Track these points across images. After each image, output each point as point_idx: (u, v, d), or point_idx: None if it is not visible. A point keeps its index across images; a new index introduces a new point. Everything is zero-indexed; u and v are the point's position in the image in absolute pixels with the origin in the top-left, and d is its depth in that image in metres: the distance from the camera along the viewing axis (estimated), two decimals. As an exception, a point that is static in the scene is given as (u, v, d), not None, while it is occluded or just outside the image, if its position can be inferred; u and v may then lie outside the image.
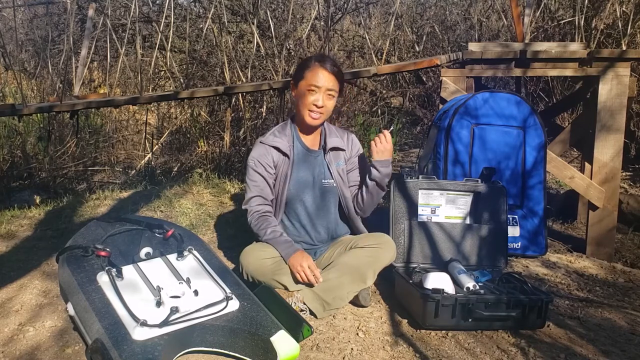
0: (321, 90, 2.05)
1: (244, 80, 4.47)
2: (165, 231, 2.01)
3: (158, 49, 4.92)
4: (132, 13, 4.72)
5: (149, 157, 5.39)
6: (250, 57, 4.88)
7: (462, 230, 2.38)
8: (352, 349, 1.76)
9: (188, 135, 6.36)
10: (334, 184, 2.18)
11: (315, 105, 2.06)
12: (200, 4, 6.24)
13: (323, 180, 2.18)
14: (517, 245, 2.80)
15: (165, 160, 5.97)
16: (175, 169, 5.46)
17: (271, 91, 5.18)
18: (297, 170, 2.15)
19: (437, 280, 2.00)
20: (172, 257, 1.90)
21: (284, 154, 2.12)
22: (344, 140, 2.23)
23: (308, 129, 2.17)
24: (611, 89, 3.16)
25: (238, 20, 6.03)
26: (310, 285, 1.94)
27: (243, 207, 2.14)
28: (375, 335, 1.87)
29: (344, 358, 1.71)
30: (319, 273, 1.95)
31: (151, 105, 6.24)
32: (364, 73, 3.69)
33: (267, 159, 2.11)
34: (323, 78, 2.04)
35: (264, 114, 5.84)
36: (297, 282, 1.96)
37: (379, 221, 2.34)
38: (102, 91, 5.84)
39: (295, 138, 2.17)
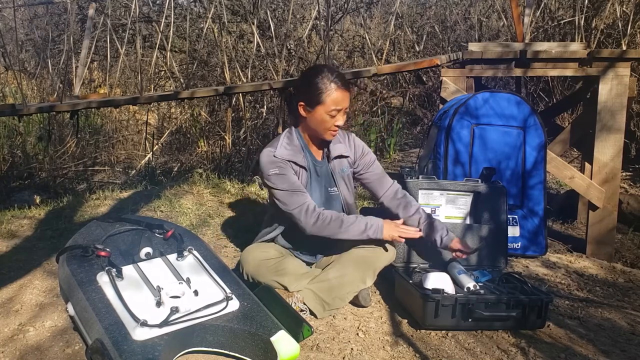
0: (341, 111, 2.00)
1: (244, 80, 4.47)
2: (165, 231, 2.01)
3: (158, 49, 4.92)
4: (132, 13, 4.72)
5: (149, 157, 5.38)
6: (251, 57, 4.88)
7: (462, 230, 2.38)
8: (352, 349, 1.76)
9: (188, 135, 6.36)
10: (338, 192, 2.15)
11: (337, 126, 2.01)
12: (201, 4, 6.24)
13: (329, 189, 2.14)
14: (517, 245, 2.80)
15: (165, 160, 5.97)
16: (176, 169, 5.46)
17: (271, 91, 5.18)
18: (310, 182, 2.10)
19: (437, 280, 2.00)
20: (172, 257, 1.89)
21: (301, 167, 2.06)
22: (346, 144, 2.16)
23: (323, 144, 2.12)
24: (611, 89, 3.16)
25: (238, 20, 6.04)
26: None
27: (291, 211, 1.97)
28: (375, 335, 1.87)
29: (344, 358, 1.71)
30: (413, 229, 2.06)
31: (151, 105, 6.24)
32: (364, 73, 3.69)
33: (285, 165, 2.02)
34: (342, 100, 1.97)
35: (264, 114, 5.85)
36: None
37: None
38: (102, 91, 5.84)
39: (305, 149, 2.11)
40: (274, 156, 2.01)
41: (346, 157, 2.15)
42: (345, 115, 2.03)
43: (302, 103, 2.02)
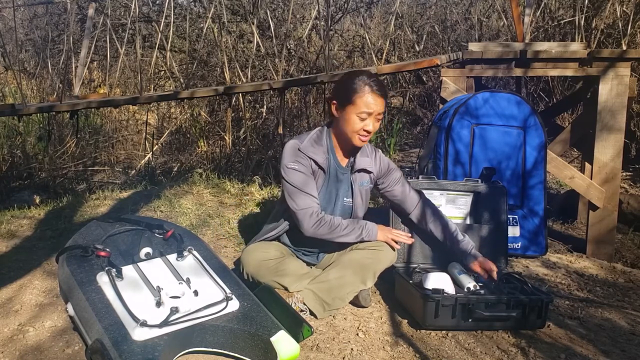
0: (372, 115, 1.96)
1: (244, 80, 4.47)
2: (165, 231, 2.01)
3: (158, 48, 4.92)
4: (132, 13, 4.72)
5: (149, 157, 5.38)
6: (250, 57, 4.88)
7: (463, 230, 2.37)
8: (352, 349, 1.76)
9: (188, 135, 6.36)
10: (352, 204, 2.14)
11: (366, 131, 1.97)
12: (201, 3, 6.24)
13: (345, 199, 2.13)
14: (518, 245, 2.80)
15: (165, 160, 5.97)
16: (175, 169, 5.46)
17: (271, 91, 5.18)
18: (326, 184, 2.10)
19: (438, 281, 1.99)
20: (172, 257, 1.89)
21: (321, 168, 2.05)
22: (372, 159, 2.14)
23: (351, 150, 2.09)
24: (611, 89, 3.16)
25: (238, 20, 6.04)
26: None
27: (296, 210, 1.99)
28: (375, 335, 1.87)
29: (344, 358, 1.71)
30: (405, 234, 2.18)
31: (151, 105, 6.24)
32: (364, 73, 3.68)
33: (305, 162, 2.02)
34: (374, 104, 1.94)
35: (264, 114, 5.85)
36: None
37: (379, 221, 2.34)
38: (102, 91, 5.84)
39: (330, 151, 2.09)
40: (299, 149, 2.01)
41: (370, 172, 2.13)
42: (378, 122, 2.00)
43: (334, 102, 2.03)
